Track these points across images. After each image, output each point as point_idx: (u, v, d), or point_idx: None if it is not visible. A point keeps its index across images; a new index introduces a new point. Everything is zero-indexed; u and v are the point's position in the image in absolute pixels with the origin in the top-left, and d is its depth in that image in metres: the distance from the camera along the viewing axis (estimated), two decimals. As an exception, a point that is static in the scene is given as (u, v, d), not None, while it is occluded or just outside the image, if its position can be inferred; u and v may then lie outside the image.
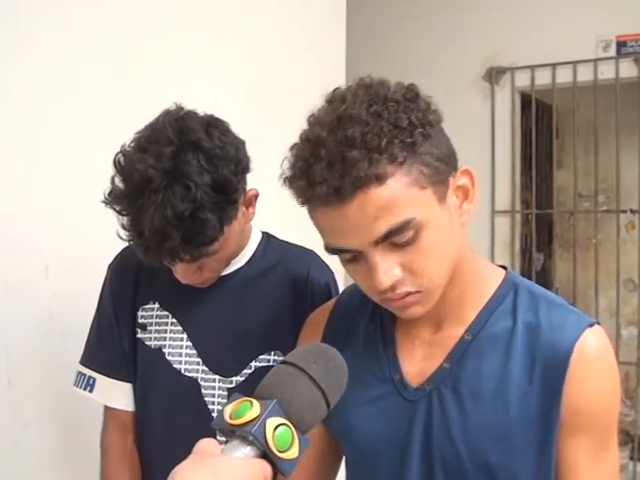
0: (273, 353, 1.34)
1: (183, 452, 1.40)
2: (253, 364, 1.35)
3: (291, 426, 0.78)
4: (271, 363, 1.34)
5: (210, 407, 1.36)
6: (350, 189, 0.90)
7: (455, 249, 1.00)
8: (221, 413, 0.79)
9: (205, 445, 0.78)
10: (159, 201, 1.13)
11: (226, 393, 1.35)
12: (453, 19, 4.03)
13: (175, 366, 1.37)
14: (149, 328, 1.40)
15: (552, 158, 4.25)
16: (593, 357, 1.00)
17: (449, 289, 1.04)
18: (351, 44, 2.73)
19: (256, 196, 1.34)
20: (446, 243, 0.98)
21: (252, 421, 0.76)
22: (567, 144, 4.65)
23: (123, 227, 1.20)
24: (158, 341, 1.39)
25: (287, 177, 0.99)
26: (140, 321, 1.41)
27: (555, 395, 0.99)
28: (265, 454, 0.76)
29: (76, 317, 1.60)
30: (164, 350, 1.38)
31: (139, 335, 1.40)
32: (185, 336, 1.37)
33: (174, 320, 1.38)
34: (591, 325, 1.02)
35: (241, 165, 1.24)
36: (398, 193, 0.91)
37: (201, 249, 1.19)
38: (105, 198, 1.21)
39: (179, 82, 1.88)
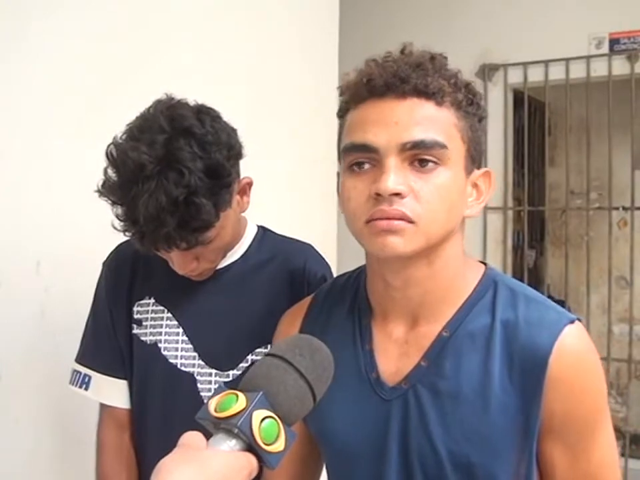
0: (269, 346, 1.32)
1: None
2: (249, 357, 1.34)
3: (277, 419, 0.77)
4: None
5: (206, 401, 1.35)
6: (412, 90, 0.96)
7: (454, 217, 0.99)
8: (205, 405, 0.79)
9: (190, 438, 0.77)
10: (152, 187, 1.13)
11: None
12: (446, 16, 4.03)
13: (171, 361, 1.36)
14: (144, 323, 1.39)
15: (544, 155, 4.26)
16: (571, 358, 0.98)
17: (431, 280, 1.03)
18: (343, 41, 2.72)
19: (250, 184, 1.33)
20: (453, 201, 0.98)
21: (238, 413, 0.76)
22: (559, 141, 4.66)
23: (118, 217, 1.20)
24: (153, 336, 1.38)
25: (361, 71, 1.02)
26: (135, 316, 1.40)
27: (535, 395, 0.98)
28: (251, 447, 0.76)
29: (68, 313, 1.59)
30: (159, 345, 1.37)
31: (135, 331, 1.39)
32: (180, 330, 1.36)
33: (169, 315, 1.38)
34: (571, 322, 1.00)
35: (234, 150, 1.24)
36: (445, 122, 0.97)
37: (197, 235, 1.19)
38: (99, 189, 1.20)
39: (174, 79, 1.88)
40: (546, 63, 3.85)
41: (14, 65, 1.56)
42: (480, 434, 0.99)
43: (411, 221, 0.94)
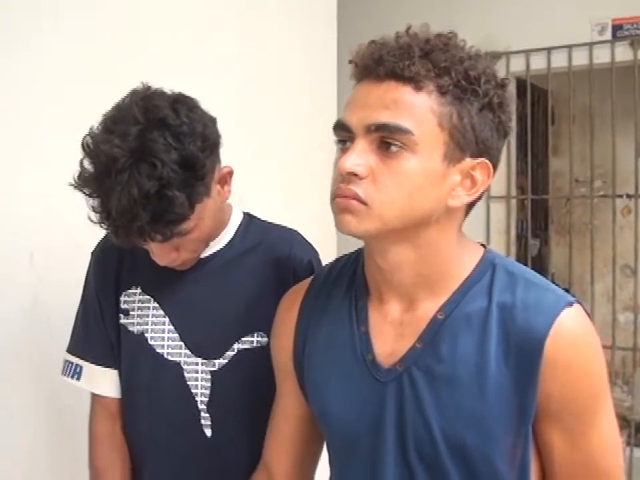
0: (256, 334, 1.33)
1: (167, 437, 1.41)
2: (235, 346, 1.33)
3: None
4: (254, 345, 1.33)
5: (193, 391, 1.35)
6: (388, 73, 0.96)
7: (420, 203, 0.97)
8: None
9: None
10: (125, 180, 1.12)
11: (209, 377, 1.34)
12: (448, 4, 3.99)
13: (157, 350, 1.36)
14: (131, 313, 1.39)
15: (547, 143, 4.23)
16: (569, 340, 0.97)
17: (421, 265, 1.02)
18: (342, 30, 2.70)
19: (230, 173, 1.31)
20: (419, 189, 0.96)
21: None
22: (563, 129, 4.63)
23: (93, 209, 1.19)
24: (140, 325, 1.37)
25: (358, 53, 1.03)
26: (122, 306, 1.39)
27: (531, 378, 0.97)
28: None
29: (61, 303, 1.59)
30: (146, 335, 1.37)
31: (122, 321, 1.39)
32: (166, 320, 1.36)
33: (155, 304, 1.37)
34: (570, 305, 0.99)
35: (209, 140, 1.22)
36: (419, 107, 0.96)
37: (172, 228, 1.18)
38: (75, 181, 1.19)
39: (170, 75, 1.87)
40: (548, 50, 3.81)
41: (13, 64, 1.56)
42: (475, 416, 0.99)
43: (364, 202, 0.96)
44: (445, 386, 1.00)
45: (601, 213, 4.28)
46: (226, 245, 1.39)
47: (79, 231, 1.60)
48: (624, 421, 4.00)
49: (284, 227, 1.46)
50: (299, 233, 1.44)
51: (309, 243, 1.43)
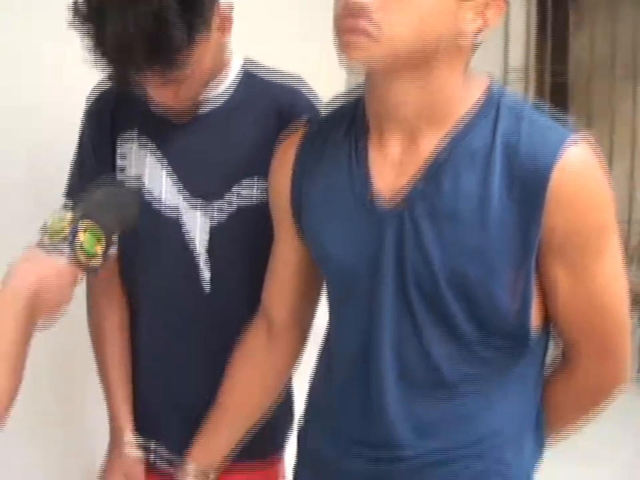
0: (256, 177, 1.31)
1: (165, 289, 1.38)
2: (235, 189, 1.32)
3: (97, 234, 1.02)
4: (254, 189, 1.31)
5: (191, 245, 1.34)
6: None
7: (432, 32, 0.94)
8: (43, 224, 1.01)
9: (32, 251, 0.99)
10: (121, 15, 1.09)
11: (208, 230, 1.33)
12: None
13: (154, 206, 1.34)
14: (128, 157, 1.36)
15: (568, 23, 4.09)
16: (574, 175, 0.95)
17: (425, 99, 0.99)
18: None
19: (230, 19, 1.27)
20: (429, 15, 0.93)
21: (65, 230, 1.00)
22: (587, 5, 4.46)
23: (88, 47, 1.15)
24: (138, 168, 1.35)
25: None
26: (119, 150, 1.37)
27: (534, 212, 0.95)
28: (75, 258, 1.00)
29: (59, 151, 1.55)
30: (144, 179, 1.34)
31: (119, 177, 1.37)
32: (164, 161, 1.34)
33: (153, 146, 1.35)
34: (577, 140, 0.96)
35: None
36: None
37: (169, 63, 1.14)
38: (69, 19, 1.15)
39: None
40: None
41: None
42: (478, 250, 0.98)
43: (373, 34, 0.91)
44: (446, 221, 0.99)
45: (622, 97, 4.19)
46: (226, 96, 1.35)
47: (75, 75, 1.53)
48: (635, 301, 4.03)
49: (288, 74, 1.40)
50: (303, 81, 1.39)
51: (313, 92, 1.39)
